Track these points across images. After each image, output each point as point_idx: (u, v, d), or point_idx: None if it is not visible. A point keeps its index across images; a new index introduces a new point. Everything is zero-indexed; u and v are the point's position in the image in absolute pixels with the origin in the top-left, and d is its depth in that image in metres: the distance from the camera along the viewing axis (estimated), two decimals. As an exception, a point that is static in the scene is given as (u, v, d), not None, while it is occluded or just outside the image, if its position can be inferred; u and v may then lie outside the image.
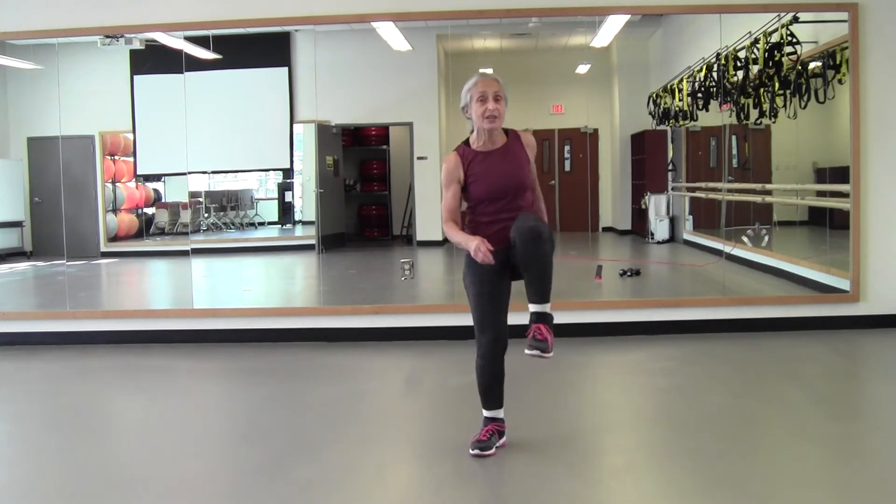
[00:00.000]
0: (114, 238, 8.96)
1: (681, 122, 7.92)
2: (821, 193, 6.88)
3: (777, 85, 6.73)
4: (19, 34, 6.30)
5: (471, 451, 3.45)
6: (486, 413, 3.57)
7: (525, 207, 3.41)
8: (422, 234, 8.76)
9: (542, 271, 3.23)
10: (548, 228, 3.25)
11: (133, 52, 7.38)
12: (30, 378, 5.35)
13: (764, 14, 6.22)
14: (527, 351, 3.28)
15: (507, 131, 3.48)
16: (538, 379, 4.48)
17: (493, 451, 3.46)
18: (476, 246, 3.20)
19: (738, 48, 6.89)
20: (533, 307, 3.31)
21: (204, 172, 9.01)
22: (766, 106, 6.93)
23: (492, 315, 3.44)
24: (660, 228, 8.39)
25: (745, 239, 7.30)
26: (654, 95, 8.20)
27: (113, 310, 6.55)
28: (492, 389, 3.53)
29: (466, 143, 3.46)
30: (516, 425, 3.76)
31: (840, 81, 6.11)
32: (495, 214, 3.39)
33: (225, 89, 7.71)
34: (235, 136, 7.96)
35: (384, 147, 9.95)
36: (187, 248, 7.47)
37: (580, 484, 3.23)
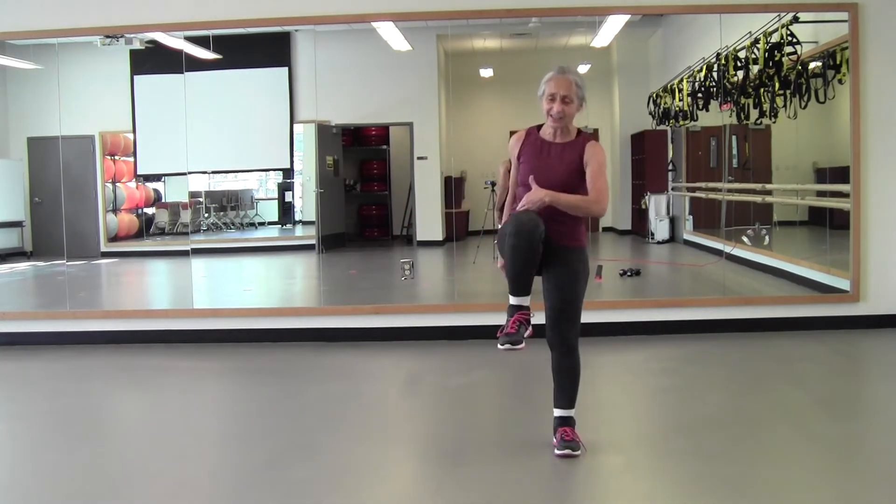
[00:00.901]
0: (114, 238, 8.95)
1: (681, 122, 7.91)
2: (821, 193, 6.88)
3: (777, 85, 6.73)
4: (19, 34, 6.30)
5: (500, 346, 3.28)
6: (512, 300, 3.32)
7: (557, 209, 3.36)
8: (422, 234, 8.75)
9: (573, 378, 3.49)
10: (578, 335, 3.47)
11: (133, 52, 7.38)
12: (30, 378, 5.35)
13: (764, 14, 6.21)
14: (558, 452, 3.43)
15: (580, 134, 3.48)
16: (538, 379, 4.47)
17: (523, 344, 3.28)
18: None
19: (738, 48, 6.88)
20: (559, 412, 3.52)
21: (204, 172, 9.00)
22: (766, 106, 6.93)
23: (529, 215, 3.26)
24: (660, 228, 8.39)
25: (745, 239, 7.29)
26: (654, 95, 8.20)
27: (113, 310, 6.54)
28: (523, 273, 3.28)
29: (539, 126, 3.53)
30: (517, 425, 3.76)
31: (840, 81, 6.11)
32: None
33: (225, 89, 7.71)
34: (235, 136, 7.96)
35: (384, 147, 9.95)
36: (187, 248, 7.47)
37: (580, 483, 3.23)
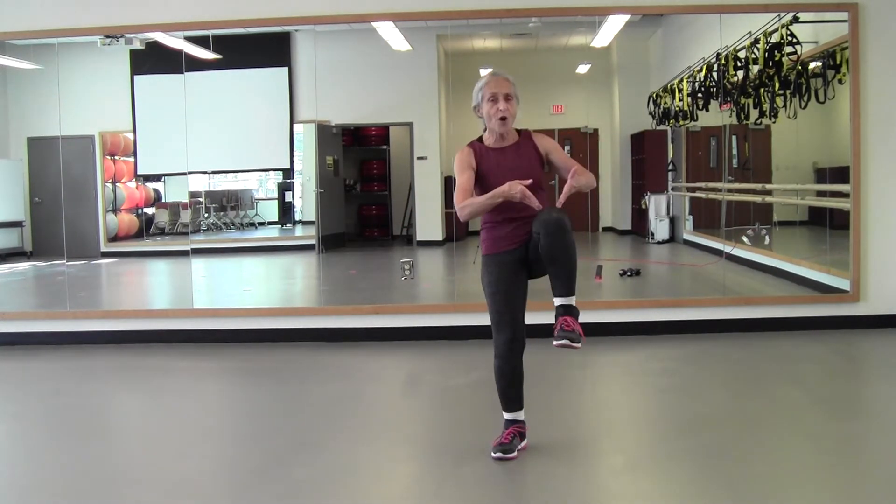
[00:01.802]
0: (114, 238, 8.95)
1: (681, 122, 7.92)
2: (821, 193, 6.88)
3: (777, 85, 6.73)
4: (19, 34, 6.30)
5: (493, 454, 3.40)
6: (506, 415, 3.50)
7: (529, 209, 3.34)
8: (422, 234, 8.76)
9: (568, 263, 3.21)
10: (569, 220, 3.19)
11: (133, 52, 7.38)
12: (30, 378, 5.35)
13: (764, 14, 6.21)
14: (555, 343, 3.22)
15: (519, 131, 3.49)
16: (538, 379, 4.48)
17: (515, 454, 3.40)
18: (510, 188, 3.16)
19: (738, 48, 6.89)
20: (558, 300, 3.26)
21: (204, 172, 9.01)
22: (766, 106, 6.93)
23: (508, 314, 3.38)
24: (660, 228, 8.39)
25: (745, 239, 7.29)
26: (654, 95, 8.20)
27: (113, 310, 6.55)
28: (511, 390, 3.46)
29: (480, 139, 3.50)
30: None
31: (840, 81, 6.11)
32: (507, 213, 3.35)
33: (225, 89, 7.71)
34: (235, 136, 7.96)
35: (384, 147, 9.95)
36: (187, 248, 7.47)
37: (580, 484, 3.23)
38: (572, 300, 3.26)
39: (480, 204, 3.28)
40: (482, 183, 3.40)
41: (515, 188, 3.16)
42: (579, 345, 3.20)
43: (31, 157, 8.05)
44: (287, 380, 5.12)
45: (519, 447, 3.45)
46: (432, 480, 3.32)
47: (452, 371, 5.20)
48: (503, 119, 3.36)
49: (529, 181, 3.21)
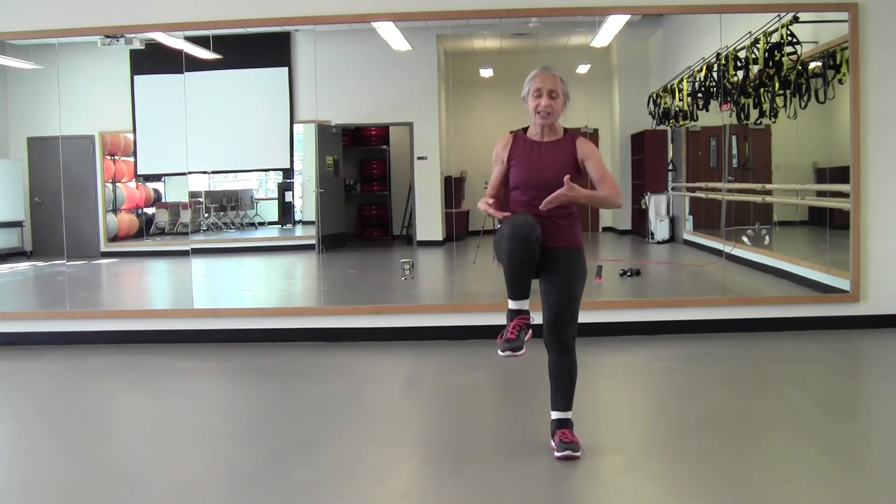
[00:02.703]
0: (114, 238, 8.95)
1: (681, 122, 7.92)
2: (821, 193, 6.88)
3: (777, 85, 6.73)
4: (19, 34, 6.30)
5: (500, 352, 3.27)
6: (511, 304, 3.32)
7: (560, 208, 3.32)
8: (422, 234, 8.76)
9: (569, 380, 3.46)
10: (574, 338, 3.45)
11: (133, 52, 7.38)
12: (30, 378, 5.35)
13: (764, 14, 6.22)
14: (557, 454, 3.38)
15: (566, 130, 3.50)
16: (538, 379, 4.48)
17: (523, 350, 3.28)
18: (479, 203, 3.36)
19: (738, 48, 6.89)
20: (556, 414, 3.48)
21: (204, 172, 9.01)
22: (766, 106, 6.93)
23: (524, 215, 3.27)
24: (660, 228, 8.39)
25: (745, 239, 7.29)
26: (654, 95, 8.20)
27: (113, 310, 6.54)
28: (520, 277, 3.27)
29: (525, 129, 3.52)
30: (517, 425, 3.75)
31: (840, 81, 6.11)
32: (528, 208, 3.32)
33: (225, 89, 7.71)
34: (235, 136, 7.96)
35: (384, 147, 9.95)
36: (187, 248, 7.47)
37: (580, 484, 3.23)
38: (569, 414, 3.48)
39: (482, 209, 3.38)
40: (512, 171, 3.44)
41: (481, 204, 3.34)
42: (580, 454, 3.37)
43: (31, 157, 8.05)
44: (287, 380, 5.12)
45: (526, 338, 3.31)
46: (432, 480, 3.32)
47: (452, 371, 5.20)
48: (544, 115, 3.39)
49: (492, 200, 3.34)
